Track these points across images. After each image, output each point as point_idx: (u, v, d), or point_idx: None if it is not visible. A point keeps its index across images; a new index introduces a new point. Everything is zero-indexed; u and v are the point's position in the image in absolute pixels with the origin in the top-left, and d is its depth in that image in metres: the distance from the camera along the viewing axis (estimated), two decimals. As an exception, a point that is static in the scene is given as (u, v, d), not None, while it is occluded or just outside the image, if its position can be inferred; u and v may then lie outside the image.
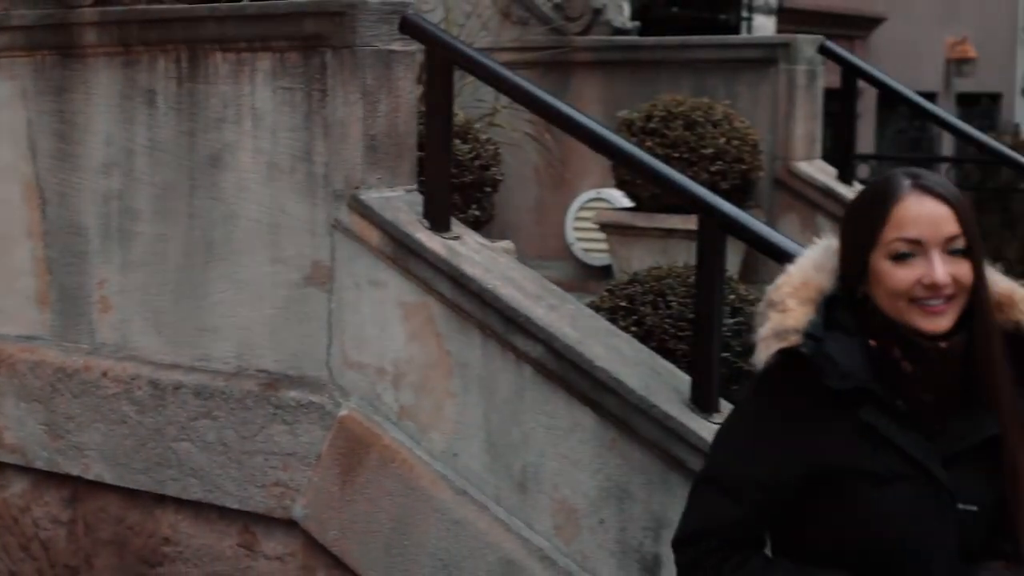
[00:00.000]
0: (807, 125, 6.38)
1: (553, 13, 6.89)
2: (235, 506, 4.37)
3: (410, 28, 4.13)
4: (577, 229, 6.77)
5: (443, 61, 4.09)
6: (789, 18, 10.70)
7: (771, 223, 5.79)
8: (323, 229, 4.18)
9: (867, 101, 8.61)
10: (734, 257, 5.48)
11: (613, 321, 4.13)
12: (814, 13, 11.04)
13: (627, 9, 7.31)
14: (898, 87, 6.25)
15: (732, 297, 4.18)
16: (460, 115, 4.97)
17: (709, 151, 5.88)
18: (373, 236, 4.09)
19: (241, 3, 4.43)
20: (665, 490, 3.73)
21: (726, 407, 3.79)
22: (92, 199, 4.69)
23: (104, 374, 4.62)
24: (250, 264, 4.34)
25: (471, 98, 5.78)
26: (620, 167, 5.86)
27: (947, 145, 13.77)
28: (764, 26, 10.09)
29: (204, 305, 4.45)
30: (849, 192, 6.24)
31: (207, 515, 4.46)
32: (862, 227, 2.48)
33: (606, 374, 3.77)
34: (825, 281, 2.53)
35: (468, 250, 4.09)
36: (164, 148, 4.50)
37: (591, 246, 6.72)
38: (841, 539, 2.48)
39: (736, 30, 9.48)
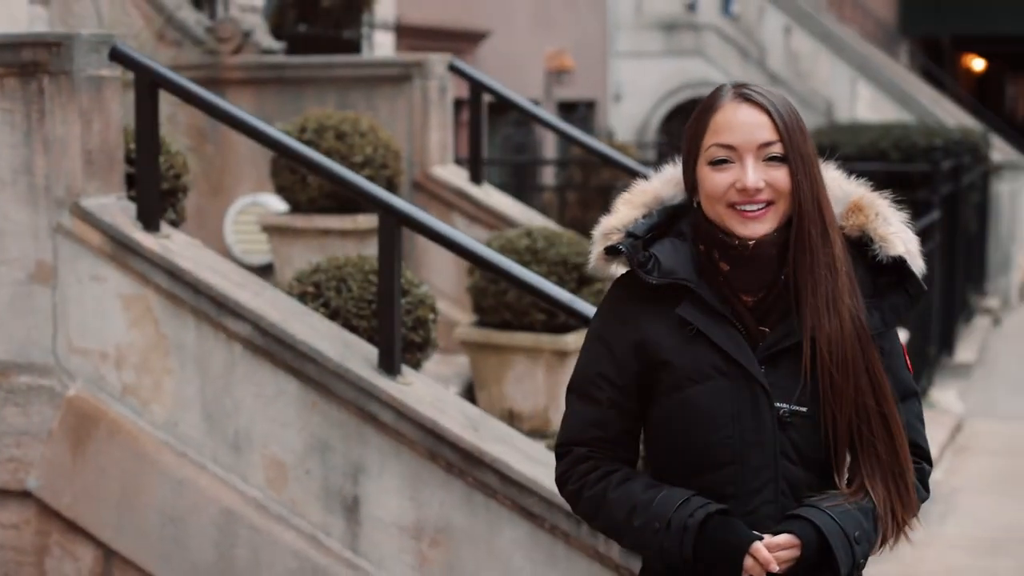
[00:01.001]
0: (440, 134, 7.34)
1: (206, 35, 7.59)
2: (-30, 483, 4.93)
3: (118, 56, 4.82)
4: (236, 232, 7.51)
5: (149, 84, 4.81)
6: (404, 34, 11.65)
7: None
8: (46, 233, 4.81)
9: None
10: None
11: (303, 304, 4.95)
12: (426, 30, 12.03)
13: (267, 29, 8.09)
14: (517, 99, 7.29)
15: (403, 281, 5.07)
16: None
17: (359, 159, 6.72)
18: (94, 237, 4.76)
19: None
20: (361, 441, 4.58)
21: (408, 371, 4.69)
22: None
23: None
24: (-25, 265, 4.92)
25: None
26: (281, 174, 6.67)
27: (550, 148, 15.12)
28: (384, 43, 11.00)
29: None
30: (480, 192, 7.24)
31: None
32: (690, 136, 2.62)
33: (307, 347, 4.59)
34: (670, 190, 2.70)
35: (178, 246, 4.83)
36: None
37: (250, 247, 7.47)
38: (671, 436, 2.63)
39: (358, 46, 10.35)
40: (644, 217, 2.67)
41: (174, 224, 5.24)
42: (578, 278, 6.15)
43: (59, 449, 4.81)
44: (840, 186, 2.69)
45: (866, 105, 17.16)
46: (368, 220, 6.61)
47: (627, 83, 17.27)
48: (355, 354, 4.62)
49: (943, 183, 11.79)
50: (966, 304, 13.99)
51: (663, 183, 2.71)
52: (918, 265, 2.65)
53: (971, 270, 14.44)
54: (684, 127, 2.70)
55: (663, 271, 2.59)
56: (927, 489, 2.74)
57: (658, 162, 11.66)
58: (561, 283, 5.95)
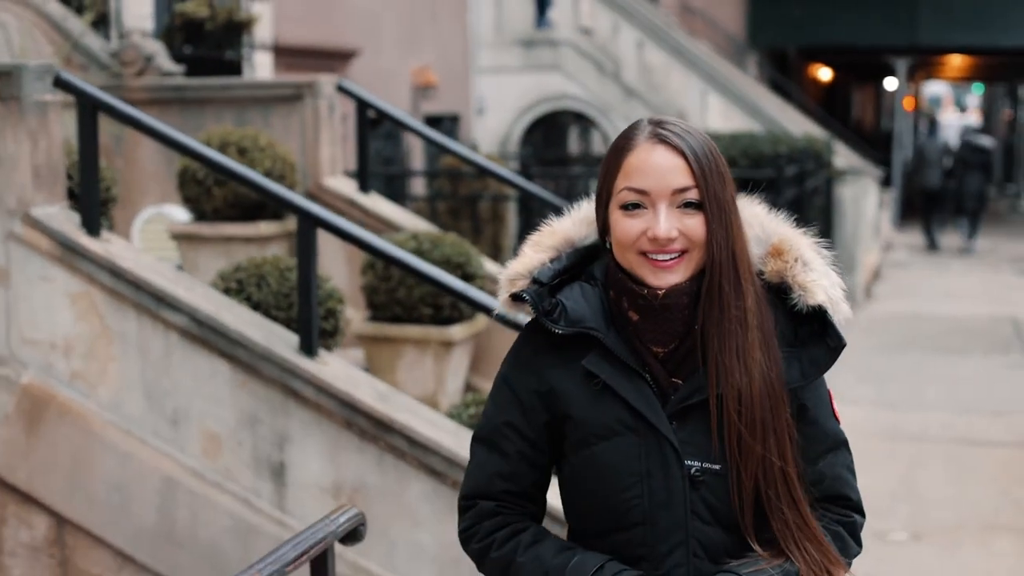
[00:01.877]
0: (330, 148, 8.11)
1: (110, 60, 8.28)
2: (-72, 465, 5.59)
3: (62, 84, 5.54)
4: (144, 240, 8.20)
5: (90, 106, 5.53)
6: (281, 54, 12.35)
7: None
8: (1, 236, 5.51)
9: (348, 126, 10.38)
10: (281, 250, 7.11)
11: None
12: (302, 49, 12.73)
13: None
14: (400, 115, 8.10)
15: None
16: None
17: (259, 171, 7.48)
18: (43, 242, 5.47)
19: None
20: (285, 414, 5.35)
21: (324, 352, 5.48)
22: None
23: None
24: (-68, 271, 5.59)
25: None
26: (188, 186, 7.39)
27: (417, 160, 15.94)
28: (263, 62, 11.70)
29: None
30: (368, 200, 8.03)
31: (-98, 475, 5.65)
32: (602, 175, 2.50)
33: (236, 334, 5.35)
34: (582, 231, 2.57)
35: (119, 249, 5.56)
36: None
37: (158, 255, 8.16)
38: (580, 495, 2.52)
39: (239, 67, 11.06)
40: (552, 261, 2.54)
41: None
42: (461, 275, 6.97)
43: (14, 430, 5.51)
44: (762, 225, 2.56)
45: (717, 115, 18.26)
46: (268, 227, 7.37)
47: (489, 97, 18.17)
48: (278, 339, 5.40)
49: (787, 188, 12.83)
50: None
51: (575, 223, 2.58)
52: (842, 312, 2.52)
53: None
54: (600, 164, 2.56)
55: (570, 319, 2.47)
56: (859, 543, 2.61)
57: (521, 172, 12.52)
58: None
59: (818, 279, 2.51)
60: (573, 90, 18.25)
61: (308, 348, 5.35)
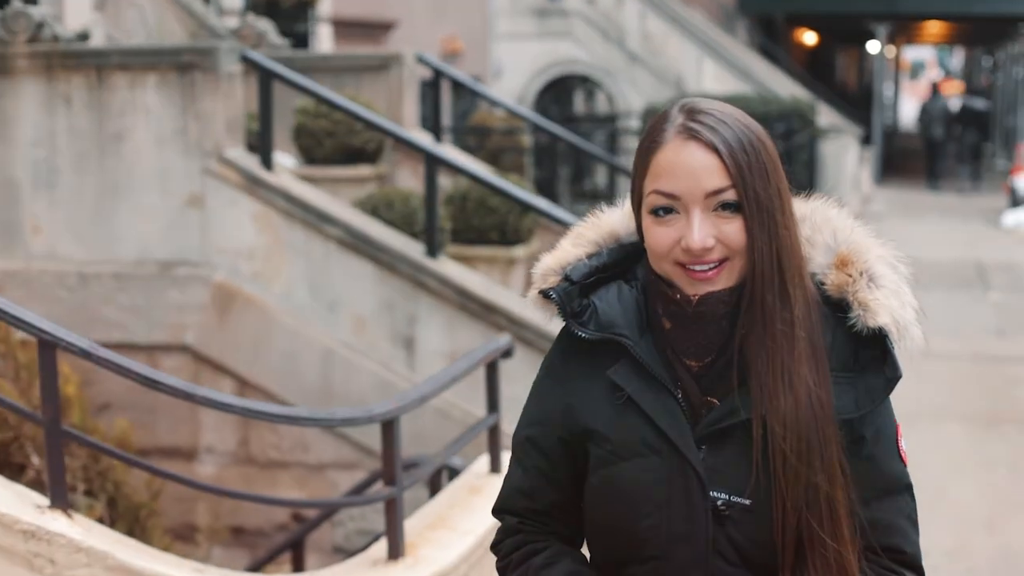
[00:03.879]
0: (411, 107, 10.15)
1: (230, 35, 10.29)
2: (144, 343, 7.64)
3: (246, 59, 7.57)
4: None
5: (266, 75, 7.56)
6: (338, 26, 14.40)
7: (392, 175, 9.58)
8: (197, 173, 7.52)
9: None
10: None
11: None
12: (352, 22, 14.76)
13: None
14: (469, 81, 10.14)
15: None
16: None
17: (360, 126, 9.51)
18: (232, 176, 7.50)
19: (138, 44, 7.68)
20: (415, 300, 7.40)
21: (441, 255, 7.52)
22: (23, 163, 7.77)
23: (41, 272, 7.74)
24: (147, 197, 7.61)
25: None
26: (302, 137, 9.39)
27: (446, 118, 17.99)
28: (325, 34, 13.72)
29: (115, 223, 7.67)
30: (442, 149, 10.06)
31: (124, 352, 7.70)
32: (633, 174, 2.26)
33: (380, 242, 7.39)
34: (630, 226, 2.32)
35: (288, 180, 7.60)
36: (79, 130, 7.68)
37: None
38: (597, 519, 2.30)
39: (307, 38, 13.08)
40: (591, 257, 2.31)
41: (264, 169, 7.98)
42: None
43: (209, 317, 7.56)
44: (834, 231, 2.28)
45: (711, 79, 20.29)
46: (366, 169, 9.41)
47: (506, 62, 20.17)
48: (410, 246, 7.46)
49: (776, 143, 14.88)
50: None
51: (624, 216, 2.35)
52: (912, 337, 2.23)
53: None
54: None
55: (600, 323, 2.26)
56: None
57: (534, 131, 14.54)
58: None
59: (884, 298, 2.20)
60: (581, 56, 20.30)
61: (432, 251, 7.41)
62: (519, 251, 9.13)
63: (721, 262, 2.18)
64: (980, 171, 27.28)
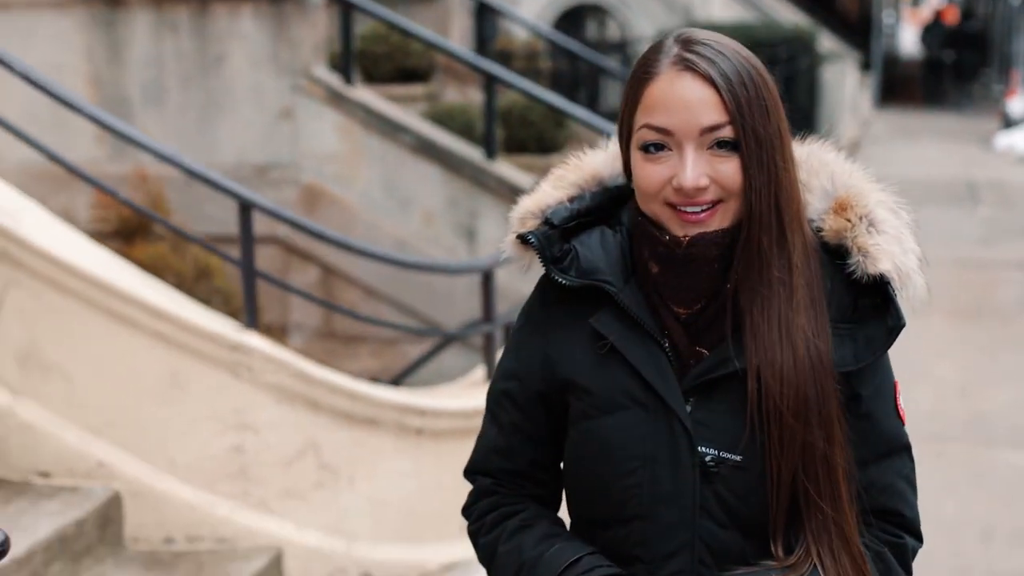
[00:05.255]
0: (458, 33, 11.51)
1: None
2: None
3: (329, -9, 8.96)
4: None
5: (345, 6, 8.94)
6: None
7: (441, 93, 10.98)
8: (288, 90, 8.92)
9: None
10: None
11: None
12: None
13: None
14: (510, 9, 11.52)
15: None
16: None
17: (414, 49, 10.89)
18: (318, 91, 8.90)
19: (234, -22, 9.08)
20: (475, 197, 8.83)
21: (499, 157, 8.95)
22: (135, 82, 9.17)
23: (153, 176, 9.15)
24: (244, 111, 9.01)
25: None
26: (366, 58, 10.76)
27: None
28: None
29: (216, 134, 9.08)
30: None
31: (223, 245, 9.12)
32: (622, 108, 2.12)
33: (445, 147, 8.81)
34: (615, 168, 2.20)
35: (366, 94, 9.01)
36: (185, 52, 9.06)
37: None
38: (577, 476, 2.19)
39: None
40: (572, 200, 2.18)
41: (340, 87, 9.39)
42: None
43: (298, 212, 8.98)
44: (832, 175, 2.17)
45: (718, 6, 21.57)
46: (419, 88, 10.79)
47: (524, -8, 21.54)
48: (471, 150, 8.88)
49: (780, 67, 16.28)
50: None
51: (608, 158, 2.21)
52: (915, 285, 2.11)
53: (807, 133, 19.01)
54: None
55: (581, 269, 2.12)
56: (908, 571, 2.21)
57: (552, 56, 15.91)
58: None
59: (885, 244, 2.10)
60: (594, -15, 21.63)
61: (490, 155, 8.83)
62: (554, 159, 10.54)
63: (715, 204, 2.05)
64: (973, 92, 29.05)
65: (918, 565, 2.27)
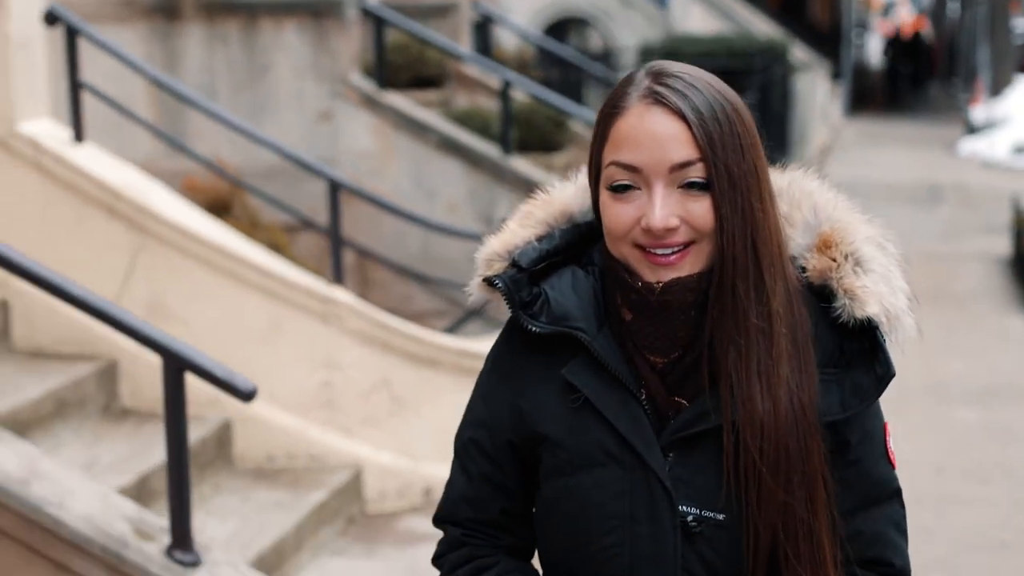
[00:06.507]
0: (466, 44, 12.80)
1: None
2: (286, 224, 10.32)
3: (364, 9, 10.26)
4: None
5: (377, 20, 10.24)
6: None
7: (453, 98, 12.29)
8: (327, 95, 10.21)
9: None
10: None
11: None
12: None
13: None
14: (514, 23, 12.82)
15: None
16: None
17: (430, 58, 12.18)
18: (354, 95, 10.20)
19: (281, -5, 10.38)
20: (494, 189, 10.14)
21: (515, 155, 10.27)
22: (189, 88, 10.42)
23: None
24: (288, 113, 10.29)
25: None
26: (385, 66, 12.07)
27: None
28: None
29: (263, 134, 10.34)
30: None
31: (269, 229, 10.41)
32: (592, 144, 2.05)
33: (467, 145, 10.13)
34: (585, 203, 2.12)
35: (397, 99, 10.32)
36: (235, 61, 10.35)
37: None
38: (553, 534, 2.11)
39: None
40: (540, 239, 2.10)
41: (369, 92, 10.70)
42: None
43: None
44: (814, 207, 2.09)
45: (698, 20, 22.95)
46: (433, 94, 12.10)
47: (512, 4, 22.84)
48: (489, 148, 10.20)
49: (757, 76, 17.66)
50: (771, 164, 19.99)
51: (578, 192, 2.13)
52: (905, 327, 2.03)
53: (780, 140, 20.46)
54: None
55: (552, 315, 2.05)
56: None
57: (541, 66, 17.27)
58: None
59: (872, 285, 2.00)
60: (581, 2, 22.97)
61: (506, 151, 10.14)
62: (556, 158, 11.87)
63: (687, 246, 1.98)
64: (936, 100, 31.67)
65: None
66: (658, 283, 1.99)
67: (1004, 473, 8.07)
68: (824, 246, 2.06)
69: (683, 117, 1.96)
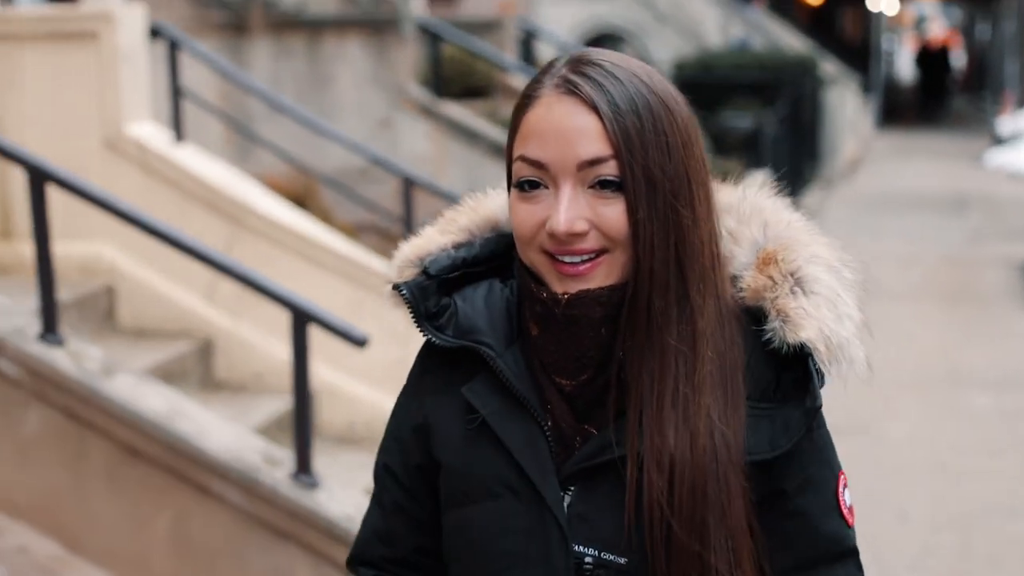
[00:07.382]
0: (511, 58, 13.64)
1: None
2: (347, 222, 11.16)
3: (420, 26, 11.11)
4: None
5: (433, 36, 11.08)
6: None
7: (499, 108, 13.13)
8: (388, 104, 11.06)
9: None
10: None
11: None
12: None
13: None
14: (551, 36, 13.65)
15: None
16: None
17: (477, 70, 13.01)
18: (411, 105, 11.05)
19: (344, 12, 11.24)
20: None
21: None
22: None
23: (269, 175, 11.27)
24: (350, 121, 11.12)
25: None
26: (428, 79, 12.92)
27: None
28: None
29: (326, 140, 11.19)
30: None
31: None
32: (508, 140, 1.88)
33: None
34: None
35: (452, 108, 11.16)
36: (299, 73, 11.20)
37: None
38: (453, 571, 1.94)
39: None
40: (458, 246, 1.93)
41: (425, 102, 11.56)
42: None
43: (393, 204, 11.10)
44: (765, 224, 1.88)
45: (729, 34, 23.78)
46: (481, 104, 12.94)
47: (550, 20, 23.64)
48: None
49: (787, 88, 18.45)
50: (802, 175, 20.78)
51: (507, 200, 1.89)
52: (853, 359, 1.81)
53: (811, 152, 21.23)
54: None
55: (459, 328, 1.88)
56: None
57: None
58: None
59: (811, 308, 1.80)
60: (615, 16, 23.77)
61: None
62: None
63: (599, 254, 1.78)
64: (966, 113, 33.08)
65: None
66: (564, 294, 1.80)
67: (1014, 450, 8.84)
68: (763, 264, 1.85)
69: (595, 109, 1.77)
